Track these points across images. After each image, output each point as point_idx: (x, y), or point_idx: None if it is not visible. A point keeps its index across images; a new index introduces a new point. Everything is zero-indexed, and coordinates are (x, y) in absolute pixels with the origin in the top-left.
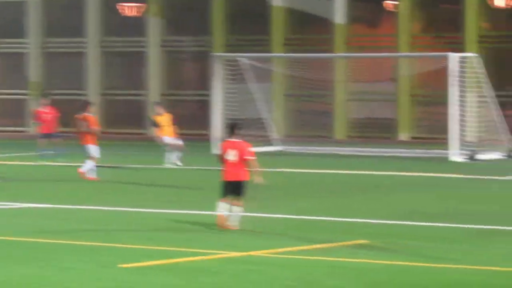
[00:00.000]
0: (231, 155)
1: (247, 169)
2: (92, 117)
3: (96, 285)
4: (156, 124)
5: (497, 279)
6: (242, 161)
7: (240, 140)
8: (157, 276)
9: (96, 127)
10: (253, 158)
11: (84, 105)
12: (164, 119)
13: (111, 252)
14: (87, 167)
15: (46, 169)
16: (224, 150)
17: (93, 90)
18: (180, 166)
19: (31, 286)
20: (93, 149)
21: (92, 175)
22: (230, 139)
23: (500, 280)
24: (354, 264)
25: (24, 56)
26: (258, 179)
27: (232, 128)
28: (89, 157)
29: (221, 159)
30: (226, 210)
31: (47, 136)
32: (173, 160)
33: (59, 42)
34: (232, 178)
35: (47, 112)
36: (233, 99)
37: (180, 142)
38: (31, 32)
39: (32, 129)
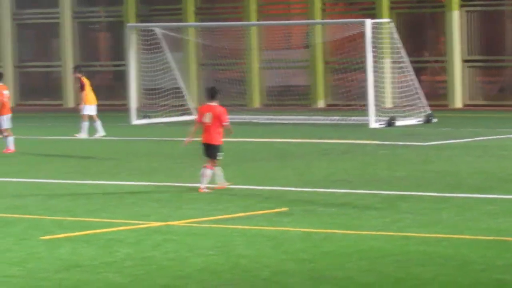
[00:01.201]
0: (207, 118)
1: (222, 133)
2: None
3: (14, 257)
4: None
5: (412, 245)
6: (217, 125)
7: (217, 105)
8: (75, 247)
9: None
10: (228, 122)
11: None
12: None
13: (29, 224)
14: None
15: None
16: (202, 114)
17: (7, 62)
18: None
19: None
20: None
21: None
22: (208, 103)
23: (415, 247)
24: (273, 232)
25: None
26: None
27: (211, 92)
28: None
29: (198, 122)
30: (208, 175)
31: None
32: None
33: None
34: (206, 141)
35: None
36: (148, 69)
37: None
38: None
39: None
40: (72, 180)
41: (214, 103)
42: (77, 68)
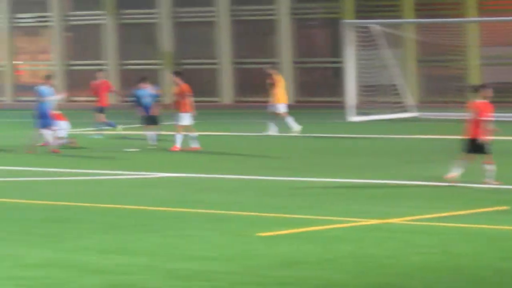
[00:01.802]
0: (471, 115)
1: (486, 128)
2: (186, 85)
3: (232, 254)
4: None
5: None
6: (479, 120)
7: (481, 101)
8: (294, 244)
9: (189, 93)
10: (488, 119)
11: (178, 74)
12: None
13: (245, 221)
14: (178, 139)
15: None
16: (469, 110)
17: (223, 59)
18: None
19: (165, 254)
20: (186, 118)
21: (195, 145)
22: (473, 100)
23: None
24: (493, 231)
25: (155, 26)
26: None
27: (475, 89)
28: (181, 126)
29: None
30: (461, 168)
31: (103, 109)
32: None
33: (190, 11)
34: (471, 136)
35: (103, 85)
36: (365, 65)
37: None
38: (161, 2)
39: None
40: (283, 176)
41: (478, 100)
42: (269, 66)
